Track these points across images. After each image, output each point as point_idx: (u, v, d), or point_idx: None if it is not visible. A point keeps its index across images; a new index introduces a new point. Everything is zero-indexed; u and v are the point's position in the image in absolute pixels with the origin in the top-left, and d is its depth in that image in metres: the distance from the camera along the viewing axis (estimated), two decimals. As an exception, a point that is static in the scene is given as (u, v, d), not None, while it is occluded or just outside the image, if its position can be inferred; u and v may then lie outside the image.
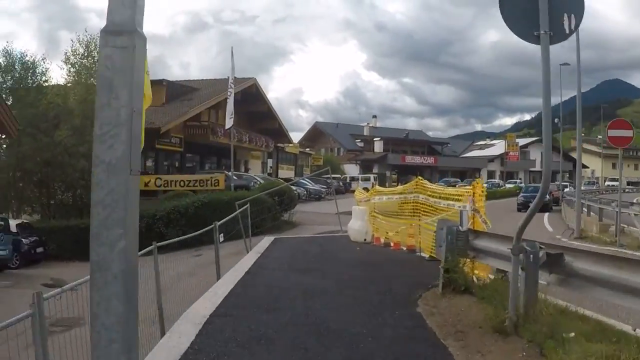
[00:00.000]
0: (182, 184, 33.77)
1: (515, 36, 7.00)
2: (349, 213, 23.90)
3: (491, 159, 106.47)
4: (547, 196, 41.89)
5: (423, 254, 15.46)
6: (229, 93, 32.76)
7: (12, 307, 9.27)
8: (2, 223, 26.44)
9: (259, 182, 41.42)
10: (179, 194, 31.62)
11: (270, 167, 73.10)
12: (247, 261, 15.44)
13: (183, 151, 49.49)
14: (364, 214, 19.32)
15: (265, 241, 20.40)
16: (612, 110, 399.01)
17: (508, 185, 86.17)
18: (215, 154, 55.53)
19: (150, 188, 33.57)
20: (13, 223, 28.45)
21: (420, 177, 16.98)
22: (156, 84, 49.62)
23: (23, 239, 27.79)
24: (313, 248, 18.49)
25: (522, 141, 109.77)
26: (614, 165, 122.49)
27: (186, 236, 14.65)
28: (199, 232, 15.08)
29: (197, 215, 28.42)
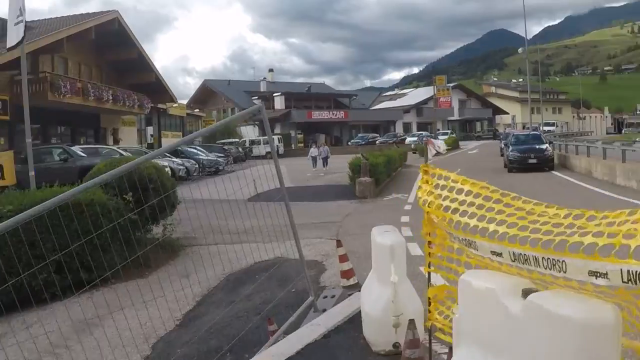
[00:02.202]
0: None
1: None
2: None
3: (407, 110, 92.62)
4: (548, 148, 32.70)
5: None
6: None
7: None
8: None
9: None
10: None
11: (151, 136, 56.54)
12: None
13: (11, 120, 32.34)
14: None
15: None
16: (500, 59, 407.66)
17: (441, 137, 71.13)
18: (68, 122, 38.66)
19: None
20: None
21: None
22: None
23: None
24: None
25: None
26: (532, 110, 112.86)
27: None
28: None
29: None
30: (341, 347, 6.62)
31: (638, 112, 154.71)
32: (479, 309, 3.76)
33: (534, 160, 30.46)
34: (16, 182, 15.75)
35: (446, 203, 4.55)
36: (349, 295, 8.76)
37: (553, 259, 3.22)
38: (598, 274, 2.93)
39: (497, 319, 3.55)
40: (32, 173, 14.53)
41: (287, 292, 9.90)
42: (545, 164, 30.71)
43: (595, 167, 26.59)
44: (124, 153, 28.55)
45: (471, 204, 4.26)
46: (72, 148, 26.22)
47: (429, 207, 4.81)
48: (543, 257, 3.30)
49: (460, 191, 4.47)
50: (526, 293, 3.38)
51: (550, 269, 3.25)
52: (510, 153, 31.12)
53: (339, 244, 9.86)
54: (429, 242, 5.13)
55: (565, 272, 3.14)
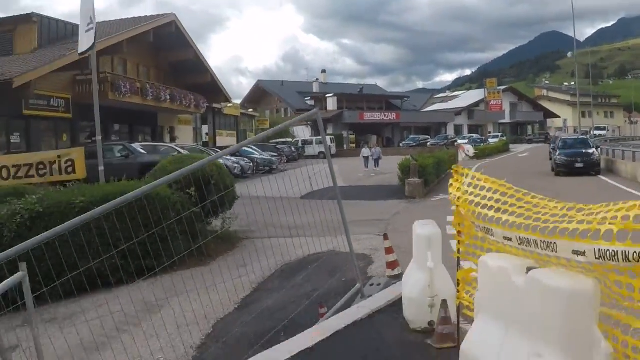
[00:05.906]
0: (5, 173, 15.88)
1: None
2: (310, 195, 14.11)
3: (458, 112, 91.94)
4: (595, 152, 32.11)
5: None
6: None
7: None
8: None
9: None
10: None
11: (206, 135, 57.26)
12: None
13: (73, 118, 33.20)
14: None
15: None
16: (552, 62, 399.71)
17: (492, 140, 70.73)
18: (126, 120, 39.43)
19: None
20: None
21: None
22: (23, 21, 33.70)
23: None
24: None
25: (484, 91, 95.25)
26: (583, 114, 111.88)
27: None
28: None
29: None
30: (383, 324, 7.34)
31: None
32: (493, 284, 4.76)
33: (581, 165, 30.05)
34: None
35: (471, 198, 5.44)
36: (393, 283, 9.30)
37: (547, 242, 4.11)
38: (579, 253, 3.80)
39: (506, 292, 4.52)
40: (101, 168, 15.23)
41: (337, 280, 10.34)
42: (591, 169, 30.18)
43: (640, 172, 26.15)
44: (181, 150, 29.13)
45: (490, 199, 5.14)
46: (133, 145, 26.89)
47: (457, 201, 5.70)
48: (540, 240, 4.18)
49: (482, 188, 5.40)
50: (529, 270, 4.32)
51: (545, 250, 4.14)
52: (558, 157, 30.86)
53: (385, 237, 10.45)
54: (459, 232, 5.98)
55: (556, 252, 4.03)
